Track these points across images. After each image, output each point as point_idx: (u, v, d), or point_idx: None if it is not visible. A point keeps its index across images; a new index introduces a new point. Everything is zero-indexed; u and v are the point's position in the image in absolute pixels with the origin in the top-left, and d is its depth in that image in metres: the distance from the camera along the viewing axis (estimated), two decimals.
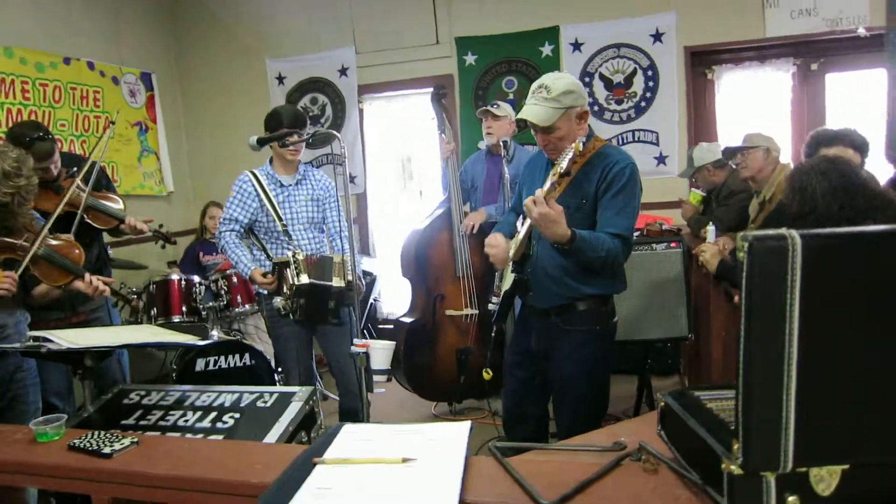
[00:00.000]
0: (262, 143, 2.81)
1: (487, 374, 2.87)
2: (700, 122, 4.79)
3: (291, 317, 2.90)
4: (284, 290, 2.91)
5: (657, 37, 4.66)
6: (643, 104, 4.74)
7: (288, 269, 2.89)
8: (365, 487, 1.18)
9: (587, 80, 4.83)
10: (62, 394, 2.95)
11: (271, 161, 3.24)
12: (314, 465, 1.30)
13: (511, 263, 2.48)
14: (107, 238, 3.43)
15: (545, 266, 2.43)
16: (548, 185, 2.15)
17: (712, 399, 1.22)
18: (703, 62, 4.74)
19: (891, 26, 3.83)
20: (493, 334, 2.92)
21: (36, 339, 1.98)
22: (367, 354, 2.31)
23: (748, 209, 3.61)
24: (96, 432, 1.63)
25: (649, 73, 4.71)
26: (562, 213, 2.16)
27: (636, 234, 4.23)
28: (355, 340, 2.34)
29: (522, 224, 2.40)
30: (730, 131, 4.63)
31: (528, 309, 2.62)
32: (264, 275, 2.99)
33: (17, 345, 2.12)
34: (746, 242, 0.88)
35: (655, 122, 4.72)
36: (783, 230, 0.87)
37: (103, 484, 1.47)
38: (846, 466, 0.96)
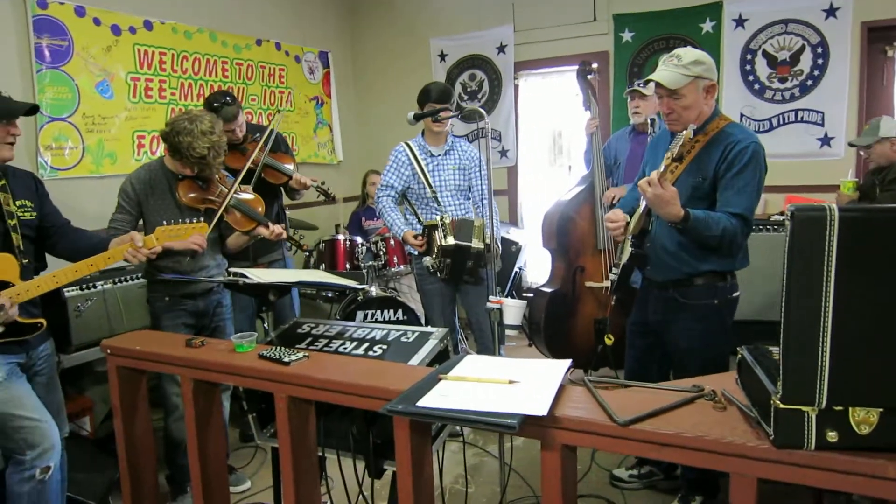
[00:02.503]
0: (418, 118, 3.15)
1: (609, 340, 3.05)
2: (874, 103, 4.54)
3: (439, 275, 3.24)
4: (434, 250, 3.25)
5: (831, 11, 4.46)
6: (809, 83, 4.58)
7: (437, 232, 3.24)
8: (477, 396, 1.50)
9: (749, 57, 4.74)
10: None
11: (423, 133, 3.61)
12: (439, 380, 1.64)
13: (630, 237, 2.61)
14: (285, 201, 3.99)
15: (663, 242, 2.56)
16: (661, 166, 2.27)
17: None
18: (882, 38, 4.47)
19: None
20: (612, 303, 3.09)
21: (234, 274, 2.49)
22: (500, 310, 2.55)
23: None
24: (279, 347, 2.09)
25: (819, 49, 4.53)
26: (675, 194, 2.27)
27: (783, 215, 4.15)
28: (490, 297, 2.61)
29: (641, 200, 2.54)
30: None
31: (647, 281, 2.77)
32: (416, 236, 3.37)
33: (221, 278, 2.68)
34: (790, 212, 1.07)
35: (822, 101, 4.55)
36: (823, 203, 1.05)
37: (283, 384, 1.91)
38: (882, 410, 1.12)
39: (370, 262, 4.51)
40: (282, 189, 3.78)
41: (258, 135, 3.60)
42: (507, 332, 2.59)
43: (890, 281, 1.07)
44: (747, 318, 3.50)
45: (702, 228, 2.33)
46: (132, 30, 4.18)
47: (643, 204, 2.49)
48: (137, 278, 3.46)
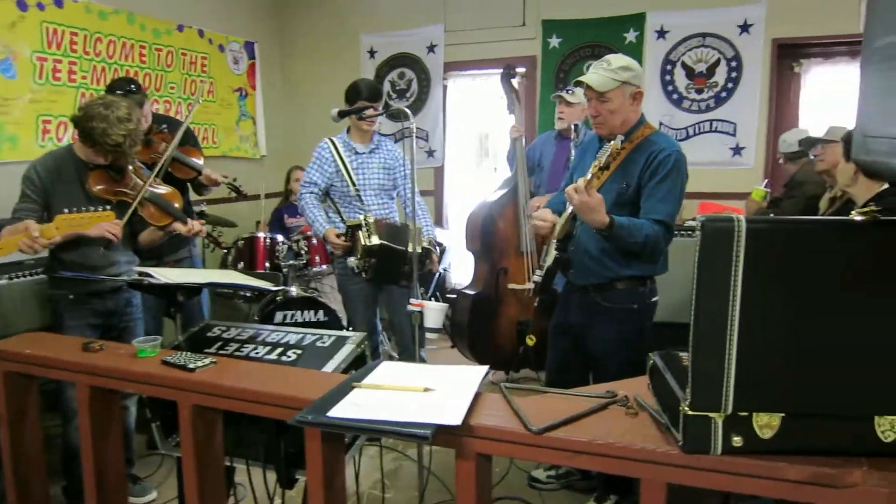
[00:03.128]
0: (342, 115, 3.09)
1: (531, 340, 3.08)
2: (782, 117, 4.77)
3: (363, 275, 3.18)
4: (357, 250, 3.19)
5: (745, 28, 4.66)
6: (724, 94, 4.77)
7: (360, 231, 3.17)
8: (391, 405, 1.45)
9: (668, 67, 4.89)
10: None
11: (349, 130, 3.55)
12: (353, 388, 1.59)
13: (554, 241, 2.66)
14: (193, 197, 3.81)
15: (586, 247, 2.60)
16: (588, 174, 2.31)
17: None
18: (790, 55, 4.71)
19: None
20: (535, 305, 3.13)
21: (141, 274, 2.35)
22: (421, 314, 2.53)
23: (817, 204, 3.62)
24: (184, 353, 1.98)
25: (733, 63, 4.73)
26: (601, 202, 2.31)
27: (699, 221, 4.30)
28: (411, 300, 2.59)
29: (566, 207, 2.56)
30: (813, 128, 4.59)
31: (569, 284, 2.80)
32: (338, 235, 3.30)
33: (126, 277, 2.53)
34: (700, 222, 1.08)
35: (735, 113, 4.75)
36: (732, 214, 1.06)
37: (187, 392, 1.81)
38: (783, 415, 1.15)
39: (291, 262, 4.39)
40: (189, 185, 3.63)
41: (165, 126, 3.43)
42: (428, 335, 2.58)
43: (792, 291, 1.09)
44: (664, 320, 3.59)
45: (626, 235, 2.38)
46: (40, 6, 3.92)
47: (569, 208, 2.51)
48: (37, 273, 3.23)
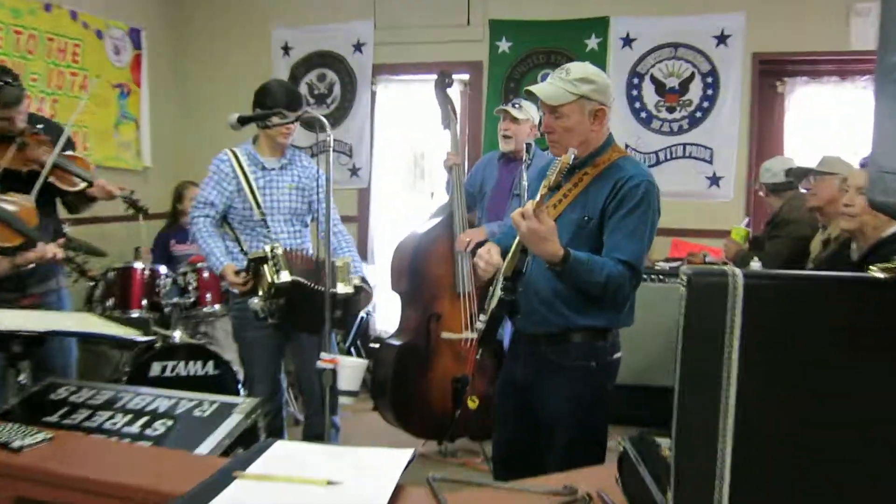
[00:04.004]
0: (243, 121, 2.95)
1: (473, 403, 2.99)
2: (764, 142, 4.88)
3: (269, 320, 3.03)
4: (262, 288, 3.02)
5: (722, 39, 4.76)
6: (698, 115, 4.85)
7: (266, 266, 3.01)
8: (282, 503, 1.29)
9: (636, 81, 4.95)
10: None
11: (255, 140, 3.42)
12: (233, 478, 1.41)
13: (501, 278, 2.55)
14: (65, 215, 3.59)
15: (538, 287, 2.51)
16: (538, 196, 2.23)
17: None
18: (773, 73, 4.83)
19: None
20: (476, 357, 3.04)
21: None
22: (333, 372, 2.40)
23: (806, 246, 3.66)
24: (12, 425, 1.77)
25: (709, 79, 4.81)
26: (553, 229, 2.24)
27: (676, 264, 4.31)
28: (323, 355, 2.44)
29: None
30: (799, 155, 4.70)
31: (516, 333, 2.71)
32: (237, 272, 3.13)
33: None
34: (685, 276, 0.97)
35: (711, 136, 4.83)
36: (725, 266, 0.96)
37: (8, 479, 1.60)
38: None
39: (175, 299, 4.18)
40: (61, 200, 3.42)
41: (41, 126, 3.26)
42: (342, 399, 2.45)
43: (803, 365, 0.99)
44: (628, 382, 3.56)
45: (583, 272, 2.32)
46: None
47: (516, 241, 2.45)
48: None
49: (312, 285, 3.07)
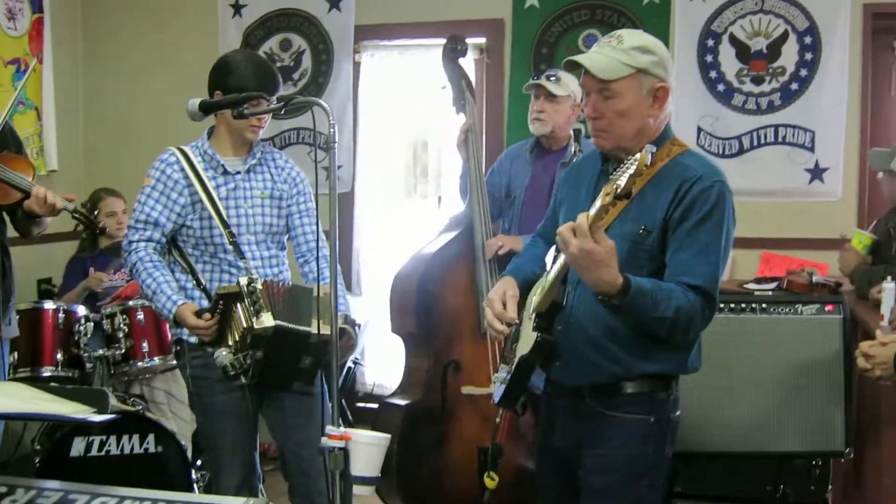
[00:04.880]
0: (207, 109, 3.03)
1: (491, 482, 3.00)
2: (879, 120, 5.04)
3: (242, 379, 3.10)
4: (232, 337, 3.12)
5: None
6: (794, 87, 5.01)
7: (239, 306, 3.09)
8: None
9: (711, 43, 5.12)
10: None
11: (211, 134, 3.49)
12: None
13: (532, 315, 2.64)
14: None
15: (584, 326, 2.62)
16: (595, 207, 2.29)
17: None
18: (890, 30, 4.98)
19: None
20: (497, 420, 3.14)
21: None
22: (345, 451, 2.46)
23: None
24: None
25: (807, 39, 4.98)
26: (613, 251, 2.32)
27: (771, 285, 4.46)
28: (329, 428, 2.50)
29: (554, 260, 2.58)
30: None
31: (551, 386, 2.83)
32: (198, 313, 3.19)
33: None
34: None
35: (812, 115, 4.99)
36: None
37: None
38: None
39: (100, 351, 4.31)
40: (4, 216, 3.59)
41: None
42: (357, 489, 2.53)
43: None
44: (692, 449, 3.74)
45: (646, 306, 2.41)
46: None
47: (555, 266, 2.54)
48: None
49: (303, 330, 3.16)
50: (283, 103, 3.08)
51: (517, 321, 2.69)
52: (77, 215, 3.60)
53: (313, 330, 3.09)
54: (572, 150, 4.19)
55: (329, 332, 2.85)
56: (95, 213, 3.74)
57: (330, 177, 2.88)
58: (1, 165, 3.37)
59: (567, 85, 4.19)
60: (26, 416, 2.54)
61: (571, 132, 4.13)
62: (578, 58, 2.55)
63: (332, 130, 2.83)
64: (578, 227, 2.28)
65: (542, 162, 4.34)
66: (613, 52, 2.53)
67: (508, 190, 4.39)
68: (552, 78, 4.20)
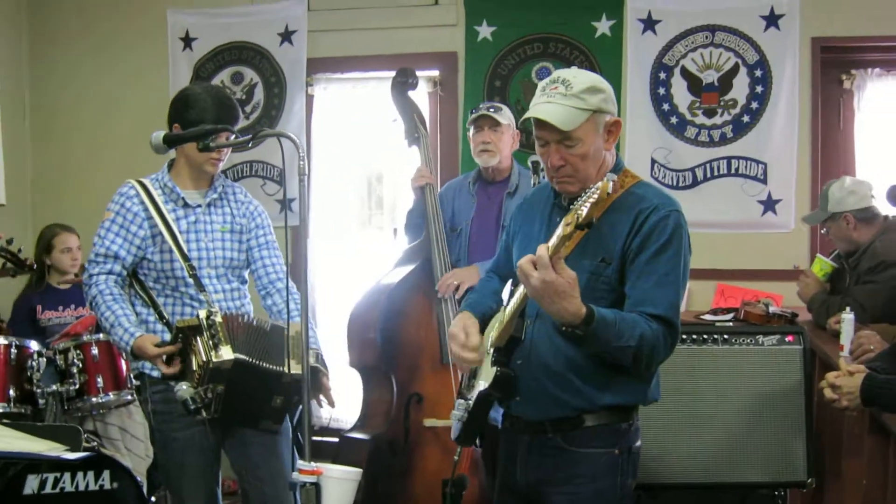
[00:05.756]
0: (172, 142, 3.04)
1: None
2: (829, 152, 5.16)
3: (203, 414, 3.07)
4: (192, 371, 3.09)
5: (772, 20, 5.03)
6: (746, 119, 5.10)
7: (199, 339, 3.08)
8: None
9: (663, 75, 5.21)
10: None
11: (170, 167, 3.51)
12: None
13: (491, 351, 2.64)
14: None
15: (544, 358, 2.61)
16: (555, 238, 2.31)
17: None
18: (838, 63, 5.11)
19: None
20: (455, 458, 3.12)
21: None
22: (317, 486, 2.44)
23: None
24: None
25: (757, 72, 5.08)
26: (575, 281, 2.33)
27: (727, 316, 4.51)
28: (300, 463, 2.49)
29: (511, 294, 2.60)
30: (873, 167, 5.00)
31: (510, 421, 2.80)
32: (159, 345, 3.18)
33: None
34: None
35: (764, 147, 5.08)
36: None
37: None
38: None
39: (53, 387, 4.24)
40: None
41: None
42: None
43: None
44: (654, 480, 3.78)
45: (609, 336, 2.42)
46: None
47: (513, 300, 2.56)
48: None
49: (262, 364, 3.17)
50: (250, 136, 3.05)
51: (484, 348, 2.68)
52: (4, 253, 3.56)
53: (281, 368, 3.12)
54: (516, 179, 4.31)
55: (300, 371, 2.84)
56: (16, 246, 3.67)
57: (301, 208, 2.87)
58: None
59: (506, 114, 4.31)
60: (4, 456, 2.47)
61: (530, 163, 4.17)
62: (537, 114, 2.54)
63: (301, 163, 2.85)
64: (539, 258, 2.30)
65: (485, 193, 4.41)
66: (566, 99, 2.52)
67: (453, 224, 4.44)
68: (492, 109, 4.30)
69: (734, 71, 5.13)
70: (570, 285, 2.32)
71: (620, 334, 2.43)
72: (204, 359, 3.06)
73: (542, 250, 2.29)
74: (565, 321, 2.39)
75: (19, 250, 3.64)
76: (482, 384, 2.63)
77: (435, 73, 5.60)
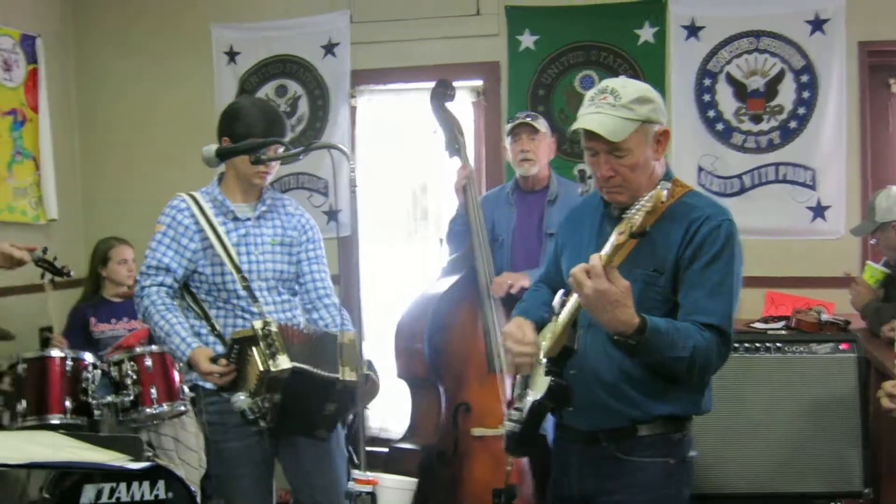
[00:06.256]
0: (224, 156, 3.10)
1: None
2: (878, 157, 5.11)
3: (260, 424, 3.10)
4: (249, 381, 3.12)
5: (817, 25, 5.00)
6: (793, 125, 5.07)
7: (255, 349, 3.09)
8: None
9: (707, 82, 5.18)
10: None
11: (220, 180, 3.54)
12: None
13: (543, 360, 2.61)
14: None
15: (597, 369, 2.62)
16: (608, 247, 2.30)
17: None
18: (885, 67, 5.07)
19: None
20: (508, 468, 3.09)
21: None
22: (373, 496, 2.50)
23: None
24: None
25: (803, 78, 5.05)
26: (628, 291, 2.33)
27: (778, 324, 4.47)
28: (356, 473, 2.55)
29: (563, 303, 2.56)
30: None
31: (562, 431, 2.83)
32: (214, 358, 3.21)
33: None
34: None
35: (812, 153, 5.05)
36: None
37: None
38: None
39: (108, 398, 4.29)
40: None
41: None
42: None
43: None
44: (709, 491, 3.75)
45: (663, 346, 2.42)
46: None
47: (565, 310, 2.53)
48: None
49: (317, 372, 3.19)
50: (301, 148, 3.13)
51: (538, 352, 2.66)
52: (42, 264, 3.60)
53: (336, 375, 3.15)
54: (556, 187, 4.34)
55: (353, 379, 2.90)
56: (54, 257, 3.75)
57: (352, 219, 2.88)
58: None
59: (543, 122, 4.34)
60: (64, 465, 2.53)
61: (576, 172, 4.17)
62: (586, 125, 2.54)
63: (353, 175, 2.92)
64: (592, 268, 2.29)
65: (525, 202, 4.43)
66: (615, 110, 2.53)
67: (494, 234, 4.44)
68: (529, 117, 4.34)
69: (780, 77, 5.10)
70: (623, 294, 2.31)
71: (674, 344, 2.43)
72: (261, 368, 3.07)
73: (595, 259, 2.30)
74: (618, 331, 2.38)
75: (55, 258, 3.68)
76: (535, 394, 2.62)
77: (478, 82, 5.62)
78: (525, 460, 4.06)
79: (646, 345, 2.39)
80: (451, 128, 4.47)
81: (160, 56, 6.08)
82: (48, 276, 3.78)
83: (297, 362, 3.13)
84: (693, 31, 5.20)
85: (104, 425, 4.28)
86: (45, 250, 3.66)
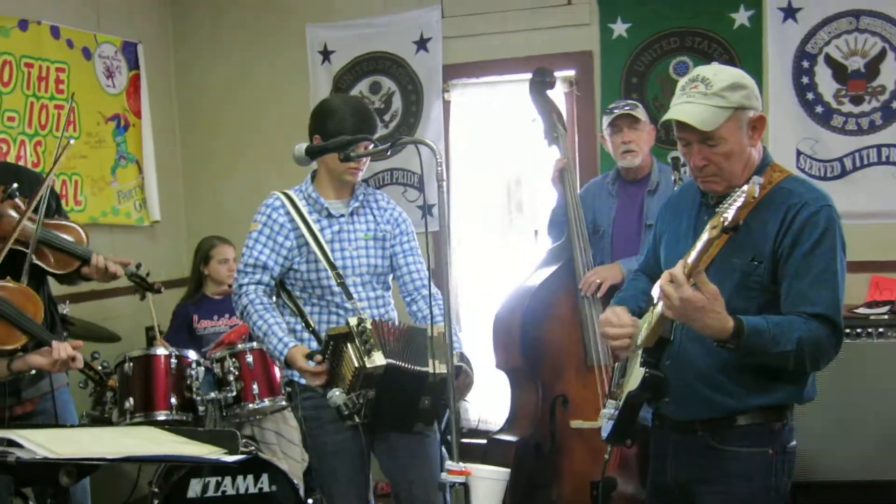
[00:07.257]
0: (314, 154, 3.13)
1: None
2: None
3: (355, 419, 3.13)
4: (344, 377, 3.14)
5: None
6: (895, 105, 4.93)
7: (350, 346, 3.12)
8: None
9: (806, 65, 5.05)
10: None
11: (313, 178, 3.58)
12: None
13: (639, 351, 2.60)
14: (56, 289, 3.80)
15: (694, 359, 2.60)
16: (697, 250, 2.28)
17: None
18: None
19: None
20: (606, 456, 3.08)
21: None
22: (466, 487, 2.46)
23: None
24: None
25: None
26: (716, 296, 2.30)
27: (883, 309, 4.36)
28: (449, 464, 2.51)
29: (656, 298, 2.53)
30: None
31: (660, 420, 2.80)
32: (310, 355, 3.23)
33: None
34: None
35: None
36: None
37: None
38: None
39: (212, 394, 4.39)
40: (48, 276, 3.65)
41: (14, 185, 3.40)
42: None
43: None
44: (811, 479, 3.71)
45: (766, 345, 2.39)
46: None
47: (661, 301, 2.50)
48: None
49: (411, 367, 3.21)
50: (389, 144, 3.14)
51: (637, 324, 2.66)
52: (135, 279, 3.69)
53: (429, 369, 3.14)
54: (657, 176, 4.27)
55: (444, 372, 2.87)
56: (147, 272, 3.80)
57: (440, 213, 2.88)
58: (60, 234, 3.47)
59: (642, 110, 4.29)
60: (165, 459, 2.60)
61: (670, 160, 4.11)
62: (677, 115, 2.52)
63: (440, 169, 2.89)
64: (675, 276, 2.29)
65: (626, 193, 4.38)
66: (706, 98, 2.50)
67: (595, 226, 4.40)
68: (628, 107, 4.27)
69: (881, 56, 4.94)
70: (709, 301, 2.29)
71: (776, 341, 2.39)
72: (356, 365, 3.10)
73: (678, 268, 2.30)
74: (713, 336, 2.37)
75: (148, 274, 3.75)
76: (630, 385, 2.60)
77: (571, 72, 5.56)
78: (630, 452, 4.00)
79: (745, 347, 2.37)
80: (551, 116, 4.43)
81: (256, 57, 6.18)
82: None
83: (391, 358, 3.16)
84: (790, 12, 5.07)
85: (209, 421, 4.37)
86: (138, 266, 3.71)
